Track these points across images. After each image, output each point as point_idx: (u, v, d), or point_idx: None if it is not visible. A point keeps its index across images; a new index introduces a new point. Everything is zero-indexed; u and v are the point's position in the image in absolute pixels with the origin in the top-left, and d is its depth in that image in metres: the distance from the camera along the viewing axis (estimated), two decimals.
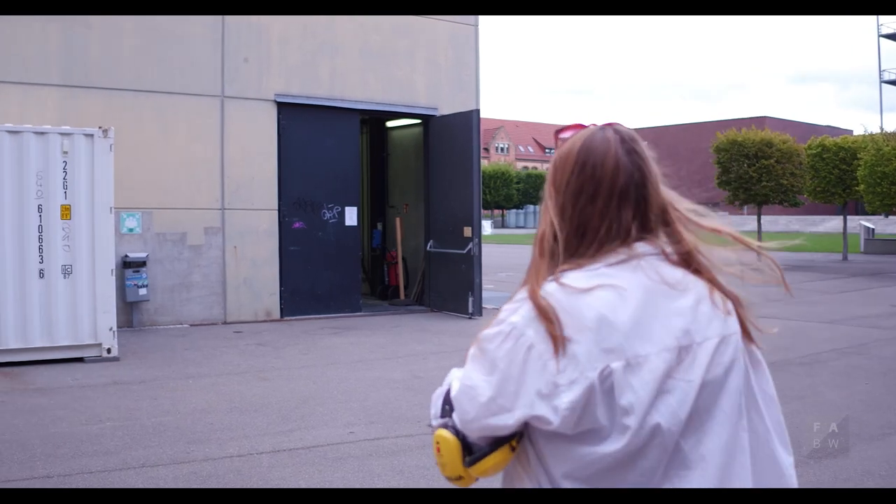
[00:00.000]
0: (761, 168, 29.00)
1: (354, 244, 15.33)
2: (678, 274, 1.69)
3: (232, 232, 13.89)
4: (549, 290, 1.64)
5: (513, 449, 1.72)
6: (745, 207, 33.50)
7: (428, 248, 15.73)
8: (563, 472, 1.62)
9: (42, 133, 10.03)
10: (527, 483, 1.69)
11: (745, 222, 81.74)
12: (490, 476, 1.77)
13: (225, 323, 13.69)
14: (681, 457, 1.60)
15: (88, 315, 10.18)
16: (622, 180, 1.69)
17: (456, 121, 15.30)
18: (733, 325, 1.69)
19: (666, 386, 1.59)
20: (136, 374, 9.58)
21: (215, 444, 6.89)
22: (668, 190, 1.77)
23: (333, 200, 14.93)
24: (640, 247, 1.69)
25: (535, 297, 1.63)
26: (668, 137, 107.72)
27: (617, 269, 1.66)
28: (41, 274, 9.96)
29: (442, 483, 1.86)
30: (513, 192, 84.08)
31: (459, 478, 1.77)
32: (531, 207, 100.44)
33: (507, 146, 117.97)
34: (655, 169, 1.75)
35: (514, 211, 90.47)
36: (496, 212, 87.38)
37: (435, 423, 1.82)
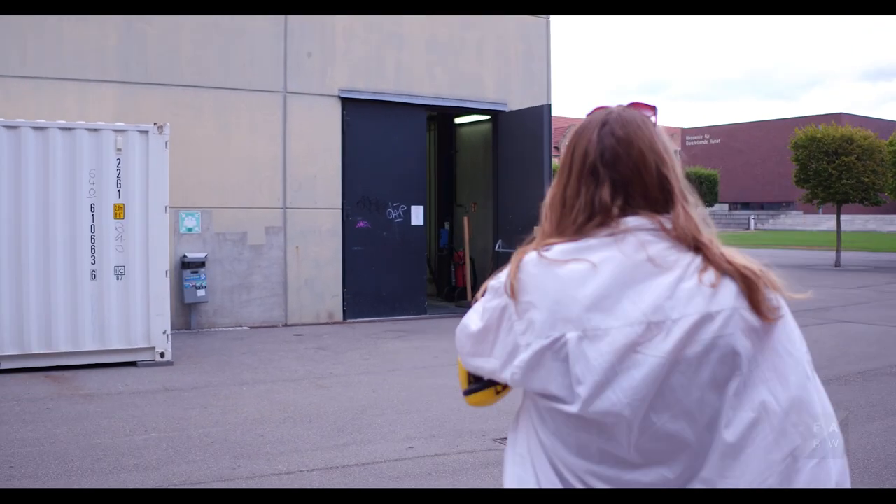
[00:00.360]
0: (841, 165, 27.72)
1: (420, 244, 14.79)
2: (668, 250, 1.67)
3: (294, 232, 13.46)
4: (526, 259, 1.72)
5: (497, 393, 1.90)
6: (821, 208, 32.17)
7: (496, 248, 15.08)
8: (544, 418, 1.70)
9: (95, 130, 9.68)
10: (522, 419, 1.80)
11: (819, 222, 79.51)
12: (481, 407, 2.04)
13: (285, 325, 13.26)
14: (653, 430, 1.61)
15: (142, 318, 9.81)
16: (590, 159, 1.74)
17: (526, 116, 14.67)
18: (723, 302, 1.61)
19: (630, 360, 1.60)
20: (189, 379, 9.16)
21: (263, 460, 6.39)
22: (681, 177, 1.77)
23: (399, 199, 14.42)
24: (632, 221, 1.69)
25: (519, 262, 1.72)
26: (741, 135, 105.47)
27: (599, 244, 1.68)
28: (93, 275, 9.61)
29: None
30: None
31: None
32: None
33: None
34: (647, 149, 1.74)
35: None
36: None
37: None
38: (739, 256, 1.68)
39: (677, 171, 1.76)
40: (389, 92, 14.30)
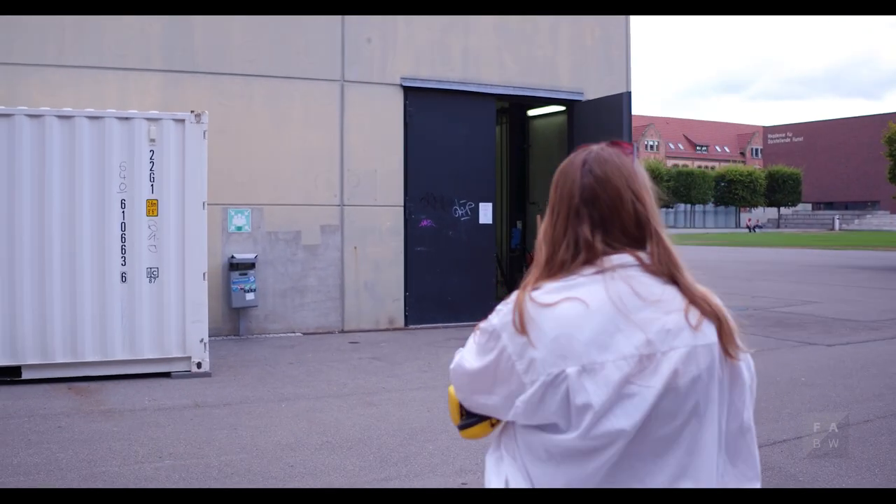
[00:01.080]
0: None
1: (489, 244, 13.69)
2: (653, 286, 1.80)
3: (352, 231, 12.49)
4: (522, 302, 1.80)
5: (492, 425, 1.99)
6: None
7: None
8: (530, 454, 1.81)
9: (126, 119, 8.83)
10: (504, 453, 1.89)
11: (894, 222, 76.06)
12: (474, 440, 2.05)
13: (342, 332, 12.29)
14: (643, 452, 1.73)
15: (177, 324, 8.93)
16: (576, 199, 1.87)
17: (604, 105, 13.47)
18: (706, 337, 1.77)
19: (626, 391, 1.71)
20: (224, 393, 8.23)
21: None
22: (656, 215, 1.89)
23: (466, 196, 13.36)
24: (617, 259, 1.82)
25: (517, 306, 1.80)
26: (825, 133, 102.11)
27: (587, 281, 1.80)
28: (123, 278, 8.76)
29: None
30: (662, 191, 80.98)
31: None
32: (681, 206, 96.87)
33: (656, 143, 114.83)
34: (623, 188, 1.85)
35: (662, 210, 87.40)
36: None
37: None
38: (712, 296, 1.84)
39: (653, 207, 1.89)
40: (455, 80, 13.24)
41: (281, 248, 12.02)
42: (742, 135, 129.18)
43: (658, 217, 1.89)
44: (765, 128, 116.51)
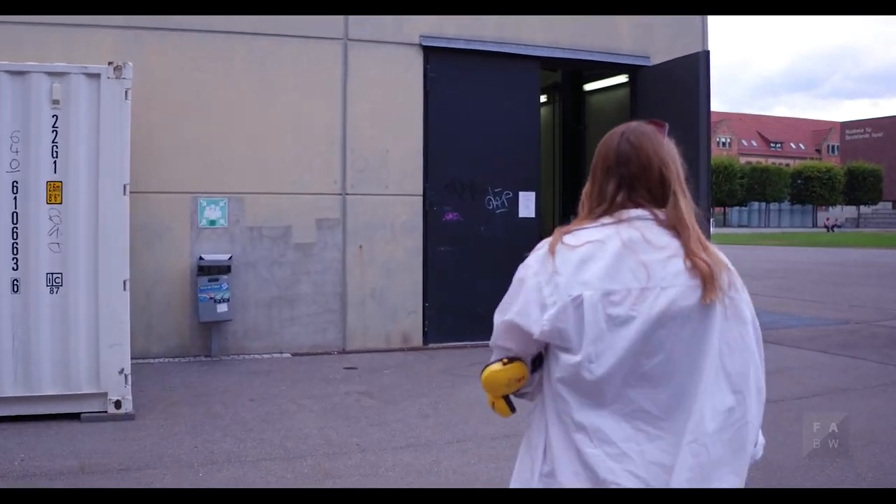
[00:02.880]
0: None
1: (531, 242, 11.00)
2: (662, 235, 2.18)
3: (356, 226, 10.05)
4: (555, 244, 2.21)
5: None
6: None
7: None
8: (557, 377, 2.18)
9: (19, 73, 6.53)
10: (544, 388, 2.29)
11: None
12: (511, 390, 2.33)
13: (342, 352, 9.82)
14: (641, 371, 2.10)
15: (88, 350, 6.60)
16: (611, 161, 2.27)
17: (676, 70, 10.82)
18: (693, 282, 2.11)
19: (628, 314, 2.10)
20: (132, 450, 5.84)
21: None
22: (682, 181, 2.27)
23: (502, 183, 10.81)
24: (635, 212, 2.22)
25: (552, 246, 2.21)
26: None
27: (607, 228, 2.20)
28: (14, 286, 6.46)
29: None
30: (736, 188, 78.05)
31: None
32: (756, 205, 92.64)
33: (729, 140, 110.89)
34: (653, 156, 2.25)
35: (736, 208, 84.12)
36: (716, 210, 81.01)
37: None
38: (708, 252, 2.17)
39: (679, 174, 2.26)
40: (490, 39, 10.67)
41: (265, 248, 9.63)
42: (817, 131, 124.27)
43: (681, 184, 2.25)
44: (842, 123, 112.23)
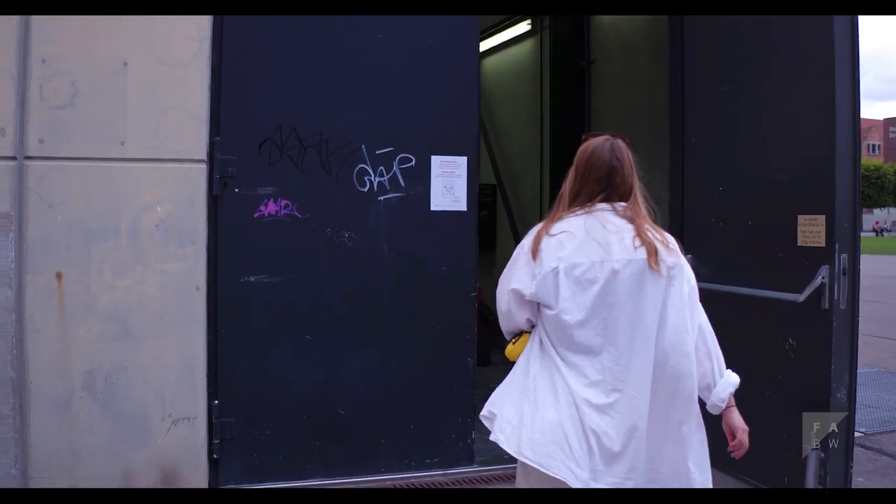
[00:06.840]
0: None
1: (464, 269, 5.45)
2: (618, 221, 2.93)
3: (51, 231, 4.47)
4: (540, 235, 2.97)
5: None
6: None
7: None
8: (547, 329, 2.94)
9: None
10: (535, 339, 3.03)
11: None
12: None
13: None
14: (602, 318, 2.85)
15: None
16: (602, 172, 3.00)
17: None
18: (640, 255, 2.86)
19: (589, 277, 2.85)
20: None
21: None
22: (640, 185, 3.06)
23: (395, 140, 5.25)
24: (600, 206, 2.97)
25: (539, 233, 2.98)
26: None
27: (577, 217, 2.95)
28: None
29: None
30: None
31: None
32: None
33: None
34: (629, 169, 3.02)
35: None
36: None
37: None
38: (653, 233, 2.93)
39: (636, 178, 3.04)
40: None
41: None
42: None
43: (638, 185, 3.03)
44: (884, 121, 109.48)
